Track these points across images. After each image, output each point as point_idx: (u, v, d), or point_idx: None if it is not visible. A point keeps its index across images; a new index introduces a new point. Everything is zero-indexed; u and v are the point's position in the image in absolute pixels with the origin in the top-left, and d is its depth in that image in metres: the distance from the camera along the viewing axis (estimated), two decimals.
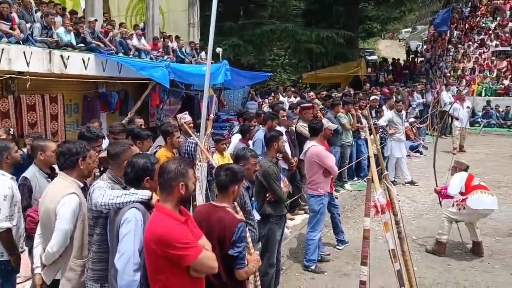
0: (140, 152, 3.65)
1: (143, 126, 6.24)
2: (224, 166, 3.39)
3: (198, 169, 4.22)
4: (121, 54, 10.92)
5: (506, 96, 18.35)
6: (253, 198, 4.65)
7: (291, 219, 7.34)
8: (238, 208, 3.46)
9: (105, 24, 11.47)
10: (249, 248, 3.28)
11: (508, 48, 20.66)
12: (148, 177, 2.96)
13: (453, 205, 6.18)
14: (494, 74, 19.74)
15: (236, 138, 7.07)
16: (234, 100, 16.21)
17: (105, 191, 2.94)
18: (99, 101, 10.34)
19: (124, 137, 4.82)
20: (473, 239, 6.21)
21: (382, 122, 10.11)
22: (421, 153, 13.02)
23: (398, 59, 26.28)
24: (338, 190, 8.88)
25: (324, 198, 5.74)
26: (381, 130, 10.02)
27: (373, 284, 4.57)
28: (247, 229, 3.19)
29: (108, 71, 9.77)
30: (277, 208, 4.79)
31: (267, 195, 4.75)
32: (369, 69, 25.69)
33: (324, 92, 14.76)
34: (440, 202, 6.64)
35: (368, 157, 4.53)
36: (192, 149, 5.50)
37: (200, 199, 4.21)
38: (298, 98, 14.80)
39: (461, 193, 6.05)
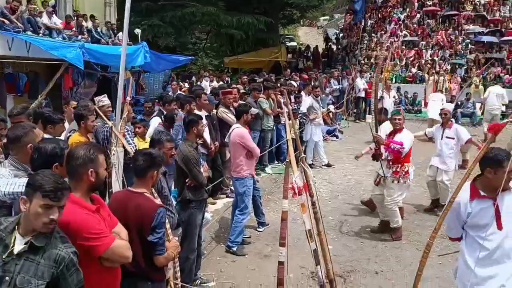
0: (52, 137, 3.43)
1: (110, 108, 5.92)
2: (141, 150, 3.29)
3: (114, 154, 4.05)
4: (29, 33, 10.13)
5: (413, 83, 19.62)
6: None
7: (213, 204, 7.35)
8: (156, 194, 3.38)
9: (11, 0, 10.57)
10: (168, 234, 3.23)
11: (416, 38, 22.05)
12: (57, 163, 2.78)
13: (393, 181, 6.19)
14: (403, 62, 21.01)
15: (155, 121, 6.88)
16: (154, 84, 15.80)
17: (8, 180, 2.73)
18: (5, 83, 9.57)
19: (26, 120, 4.50)
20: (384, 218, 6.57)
21: (303, 108, 10.39)
22: (337, 137, 13.58)
23: (317, 46, 27.06)
24: (259, 173, 9.02)
25: (248, 180, 5.81)
26: (300, 115, 10.30)
27: (292, 264, 4.73)
28: (166, 214, 3.13)
29: (14, 50, 9.07)
30: (197, 193, 4.75)
31: (187, 180, 4.69)
32: (289, 55, 26.21)
33: (245, 77, 14.84)
34: (378, 158, 6.15)
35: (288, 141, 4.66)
36: (108, 133, 5.28)
37: (116, 186, 4.07)
38: (221, 83, 14.79)
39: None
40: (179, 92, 11.51)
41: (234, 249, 5.80)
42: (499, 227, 3.10)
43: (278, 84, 11.31)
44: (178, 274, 3.67)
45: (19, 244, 2.14)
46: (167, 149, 3.86)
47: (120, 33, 13.39)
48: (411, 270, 5.00)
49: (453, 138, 6.99)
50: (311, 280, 4.93)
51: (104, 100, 6.10)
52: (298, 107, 10.37)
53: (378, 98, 6.15)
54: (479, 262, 3.13)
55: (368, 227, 6.77)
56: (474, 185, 3.21)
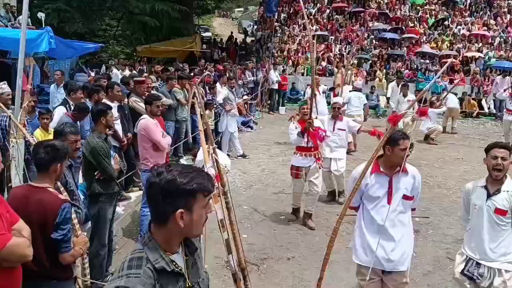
0: None
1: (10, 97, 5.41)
2: (43, 142, 3.08)
3: (13, 146, 3.76)
4: None
5: (323, 76, 20.44)
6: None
7: (125, 197, 7.12)
8: (62, 188, 3.21)
9: None
10: (76, 230, 3.09)
11: (326, 33, 22.97)
12: None
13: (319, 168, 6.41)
14: (314, 56, 21.84)
15: (59, 111, 6.48)
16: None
17: None
18: None
19: None
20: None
21: (219, 99, 10.39)
22: (251, 128, 13.78)
23: (232, 37, 27.15)
24: None
25: None
26: (215, 106, 10.30)
27: (207, 254, 4.74)
28: (72, 210, 2.98)
29: None
30: (107, 187, 4.57)
31: (95, 173, 4.49)
32: (204, 46, 26.02)
33: (159, 66, 14.48)
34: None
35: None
36: (7, 124, 4.89)
37: (16, 180, 3.79)
38: (134, 72, 14.29)
39: None
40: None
41: None
42: (389, 202, 3.50)
43: (192, 74, 11.19)
44: (88, 270, 3.52)
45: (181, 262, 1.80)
46: (70, 142, 3.63)
47: (21, 16, 12.41)
48: (321, 255, 5.23)
49: (344, 130, 7.33)
50: (225, 270, 4.97)
51: (3, 87, 5.64)
52: (213, 98, 10.36)
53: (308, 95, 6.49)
54: (370, 231, 3.57)
55: (281, 215, 6.98)
56: (377, 161, 3.58)
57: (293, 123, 6.41)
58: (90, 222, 4.49)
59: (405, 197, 3.57)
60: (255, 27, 29.58)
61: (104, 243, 4.60)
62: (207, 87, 10.64)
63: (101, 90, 6.67)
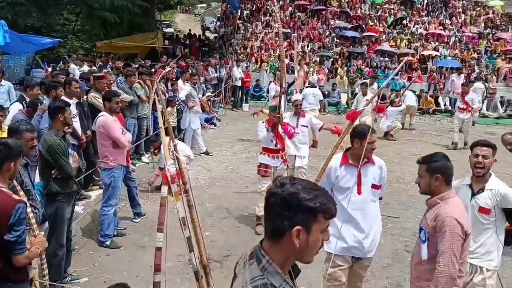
0: None
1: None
2: None
3: None
4: None
5: (287, 73, 20.60)
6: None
7: (85, 196, 6.95)
8: (19, 187, 3.10)
9: None
10: (33, 230, 3.00)
11: (288, 30, 23.11)
12: None
13: (286, 169, 6.42)
14: (277, 53, 21.95)
15: (15, 107, 6.25)
16: (16, 67, 14.28)
17: None
18: None
19: None
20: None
21: (182, 95, 10.27)
22: (215, 125, 13.72)
23: (194, 34, 26.93)
24: (135, 163, 8.76)
25: (115, 171, 5.57)
26: (177, 102, 10.19)
27: (170, 252, 4.69)
28: (29, 210, 2.89)
29: None
30: (65, 186, 4.44)
31: (53, 172, 4.36)
32: (166, 42, 25.68)
33: (119, 62, 14.17)
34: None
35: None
36: None
37: None
38: (94, 67, 13.95)
39: None
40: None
41: (107, 242, 5.57)
42: (359, 192, 3.68)
43: (154, 70, 11.03)
44: (46, 271, 3.43)
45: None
46: (26, 139, 3.51)
47: None
48: None
49: (307, 126, 7.35)
50: (188, 268, 4.94)
51: None
52: (175, 94, 10.24)
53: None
54: (341, 220, 3.67)
55: (245, 211, 7.00)
56: (346, 154, 3.76)
57: (263, 122, 6.36)
58: (47, 222, 4.36)
59: (373, 186, 3.76)
60: (218, 23, 29.41)
61: (62, 243, 4.47)
62: (169, 84, 10.52)
63: (59, 86, 6.47)
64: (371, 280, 5.06)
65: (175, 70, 13.98)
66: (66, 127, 4.82)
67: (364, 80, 14.69)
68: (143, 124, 9.29)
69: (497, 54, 21.52)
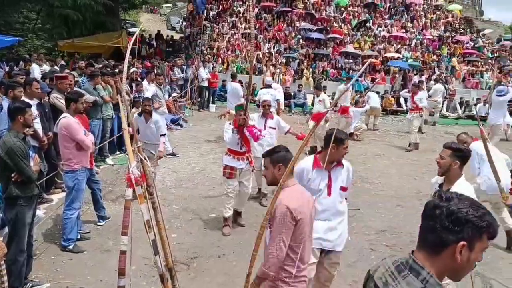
0: None
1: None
2: None
3: None
4: None
5: (253, 74, 20.69)
6: None
7: (47, 200, 6.77)
8: None
9: None
10: None
11: (255, 31, 23.21)
12: None
13: (252, 170, 6.48)
14: (243, 54, 21.99)
15: None
16: None
17: None
18: None
19: None
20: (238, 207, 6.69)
21: (148, 96, 10.12)
22: (181, 126, 13.63)
23: (162, 34, 26.66)
24: (99, 165, 8.59)
25: (79, 174, 5.45)
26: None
27: (135, 255, 4.63)
28: None
29: None
30: (25, 189, 4.31)
31: (13, 175, 4.23)
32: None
33: (83, 62, 13.86)
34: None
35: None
36: None
37: None
38: (56, 67, 13.59)
39: None
40: None
41: (70, 247, 5.44)
42: (329, 194, 3.88)
43: (118, 71, 10.84)
44: (5, 278, 3.34)
45: None
46: None
47: None
48: (250, 251, 5.28)
49: (275, 128, 7.33)
50: (153, 271, 4.89)
51: None
52: (139, 95, 10.11)
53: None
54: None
55: (212, 213, 6.98)
56: (317, 157, 3.91)
57: (229, 123, 6.29)
58: (7, 227, 4.23)
59: (342, 188, 3.94)
60: (184, 23, 29.19)
61: (23, 248, 4.34)
62: (133, 84, 10.36)
63: (18, 86, 6.27)
64: (337, 279, 5.14)
65: (140, 70, 13.79)
66: (27, 129, 4.68)
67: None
68: (107, 125, 9.13)
69: (455, 57, 22.31)
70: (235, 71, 17.81)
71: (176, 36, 29.39)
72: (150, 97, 9.96)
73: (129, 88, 10.25)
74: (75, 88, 7.77)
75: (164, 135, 7.32)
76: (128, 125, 2.81)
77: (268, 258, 3.01)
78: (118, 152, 9.85)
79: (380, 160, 10.86)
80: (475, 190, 5.68)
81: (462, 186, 3.64)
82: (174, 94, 14.48)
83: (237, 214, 6.60)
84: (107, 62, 15.02)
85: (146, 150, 6.69)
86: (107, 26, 23.52)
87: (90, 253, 5.51)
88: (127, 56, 3.05)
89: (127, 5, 29.91)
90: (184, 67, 17.15)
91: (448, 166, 3.74)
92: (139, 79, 11.42)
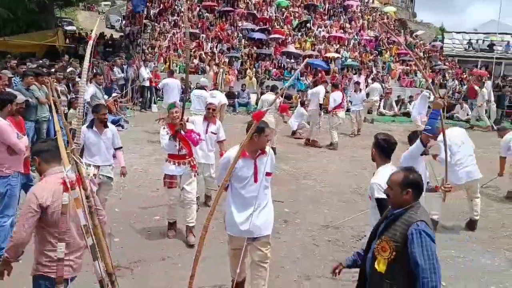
0: None
1: None
2: None
3: None
4: None
5: (196, 74, 20.46)
6: None
7: None
8: None
9: None
10: None
11: (197, 31, 23.00)
12: None
13: (194, 175, 6.12)
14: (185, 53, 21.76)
15: None
16: None
17: None
18: None
19: None
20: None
21: (86, 96, 9.76)
22: (122, 126, 13.26)
23: (102, 32, 25.88)
24: (35, 169, 8.19)
25: (12, 179, 5.16)
26: (81, 104, 9.68)
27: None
28: None
29: None
30: None
31: None
32: (68, 40, 24.35)
33: (15, 61, 13.15)
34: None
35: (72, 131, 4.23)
36: None
37: None
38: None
39: None
40: None
41: (5, 255, 5.14)
42: (255, 180, 4.14)
43: (54, 71, 10.40)
44: None
45: None
46: None
47: None
48: (195, 252, 5.26)
49: (216, 134, 7.03)
50: (94, 277, 4.74)
51: None
52: (77, 95, 9.74)
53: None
54: (238, 205, 4.17)
55: (155, 215, 6.86)
56: (244, 147, 4.01)
57: (164, 127, 5.98)
58: None
59: (267, 174, 4.21)
60: (124, 22, 28.44)
61: None
62: (70, 84, 9.98)
63: None
64: (281, 275, 5.23)
65: (78, 70, 13.29)
66: None
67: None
68: (43, 128, 8.73)
69: (391, 56, 23.31)
70: (173, 69, 17.50)
71: (116, 35, 28.59)
72: (89, 98, 9.66)
73: (66, 89, 9.86)
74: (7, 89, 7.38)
75: (121, 148, 6.40)
76: (61, 127, 2.71)
77: (11, 241, 3.39)
78: None
79: (321, 157, 11.13)
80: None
81: (378, 174, 3.91)
82: (114, 94, 14.07)
83: (187, 229, 6.07)
84: (41, 61, 14.34)
85: (102, 175, 5.98)
86: (41, 24, 22.47)
87: (26, 261, 5.23)
88: (88, 56, 2.91)
89: (63, 3, 28.70)
90: (125, 66, 16.70)
91: (372, 155, 4.11)
92: (77, 79, 11.00)
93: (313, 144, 12.32)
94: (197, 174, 6.28)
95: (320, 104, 12.21)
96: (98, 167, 5.97)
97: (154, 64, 19.45)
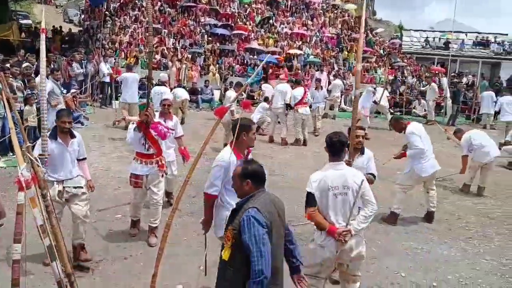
0: None
1: None
2: None
3: None
4: None
5: (158, 69, 20.16)
6: None
7: None
8: None
9: None
10: None
11: (159, 26, 22.65)
12: None
13: (162, 175, 5.90)
14: (147, 49, 21.36)
15: None
16: None
17: None
18: None
19: None
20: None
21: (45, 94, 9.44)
22: (82, 124, 12.93)
23: (60, 27, 25.08)
24: None
25: None
26: (37, 100, 9.39)
27: (36, 262, 4.34)
28: None
29: None
30: None
31: None
32: (23, 34, 23.47)
33: None
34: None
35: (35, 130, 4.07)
36: None
37: None
38: None
39: None
40: None
41: None
42: None
43: (8, 66, 10.01)
44: None
45: None
46: None
47: None
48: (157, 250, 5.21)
49: (173, 130, 6.70)
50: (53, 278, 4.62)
51: None
52: (33, 91, 9.43)
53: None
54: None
55: (117, 213, 6.74)
56: (236, 148, 4.06)
57: (133, 123, 5.78)
58: None
59: None
60: (83, 16, 27.65)
61: None
62: (26, 80, 9.63)
63: None
64: None
65: (34, 65, 12.83)
66: None
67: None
68: None
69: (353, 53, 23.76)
70: (132, 64, 17.16)
71: (75, 29, 27.76)
72: (47, 94, 9.33)
73: (22, 85, 9.52)
74: None
75: (85, 159, 5.66)
76: (15, 124, 2.61)
77: None
78: (11, 154, 9.08)
79: (285, 153, 11.22)
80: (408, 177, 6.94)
81: (318, 171, 4.13)
82: (73, 90, 13.66)
83: (150, 230, 5.93)
84: None
85: (68, 188, 5.13)
86: None
87: None
88: (43, 52, 2.80)
89: None
90: (84, 62, 16.23)
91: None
92: (32, 75, 10.62)
93: (285, 143, 12.24)
94: (166, 174, 6.10)
95: (287, 104, 12.33)
96: (61, 181, 5.14)
97: (114, 59, 19.02)
